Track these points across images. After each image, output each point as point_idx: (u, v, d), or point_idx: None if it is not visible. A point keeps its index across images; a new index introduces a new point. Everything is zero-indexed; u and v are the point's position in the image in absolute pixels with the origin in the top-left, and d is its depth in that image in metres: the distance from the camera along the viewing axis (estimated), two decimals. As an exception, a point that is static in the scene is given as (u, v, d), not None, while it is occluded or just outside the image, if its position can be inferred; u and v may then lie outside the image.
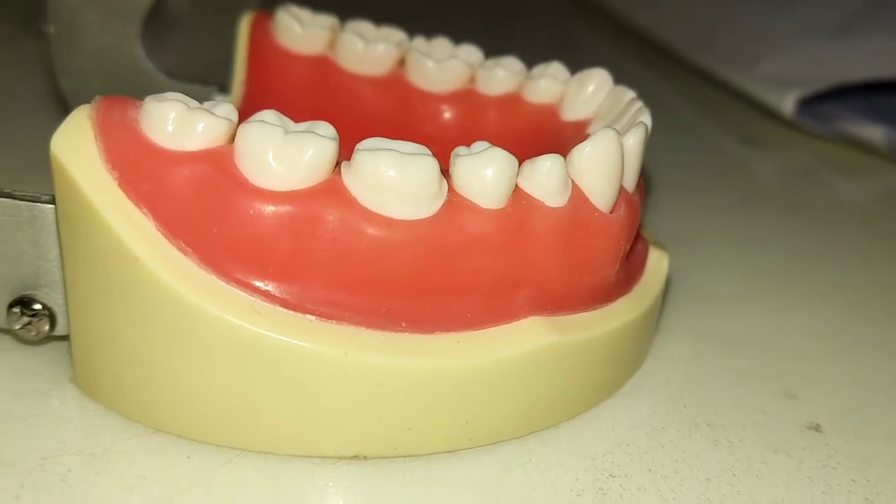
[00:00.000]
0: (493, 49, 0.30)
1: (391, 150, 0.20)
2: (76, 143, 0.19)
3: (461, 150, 0.21)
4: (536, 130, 0.28)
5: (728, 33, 0.52)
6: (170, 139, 0.20)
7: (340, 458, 0.20)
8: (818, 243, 0.35)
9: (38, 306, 0.22)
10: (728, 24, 0.53)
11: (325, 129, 0.21)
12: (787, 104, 0.45)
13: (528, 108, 0.28)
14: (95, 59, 0.32)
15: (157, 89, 0.31)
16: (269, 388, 0.19)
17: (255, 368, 0.19)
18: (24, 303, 0.22)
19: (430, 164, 0.20)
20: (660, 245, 0.27)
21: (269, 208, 0.19)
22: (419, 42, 0.30)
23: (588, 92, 0.27)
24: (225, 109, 0.21)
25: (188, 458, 0.20)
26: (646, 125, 0.23)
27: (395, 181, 0.19)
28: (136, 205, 0.19)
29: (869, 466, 0.22)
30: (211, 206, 0.19)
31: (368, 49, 0.29)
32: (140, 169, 0.19)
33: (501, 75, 0.28)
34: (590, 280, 0.22)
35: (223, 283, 0.19)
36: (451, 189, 0.20)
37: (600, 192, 0.22)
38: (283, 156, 0.19)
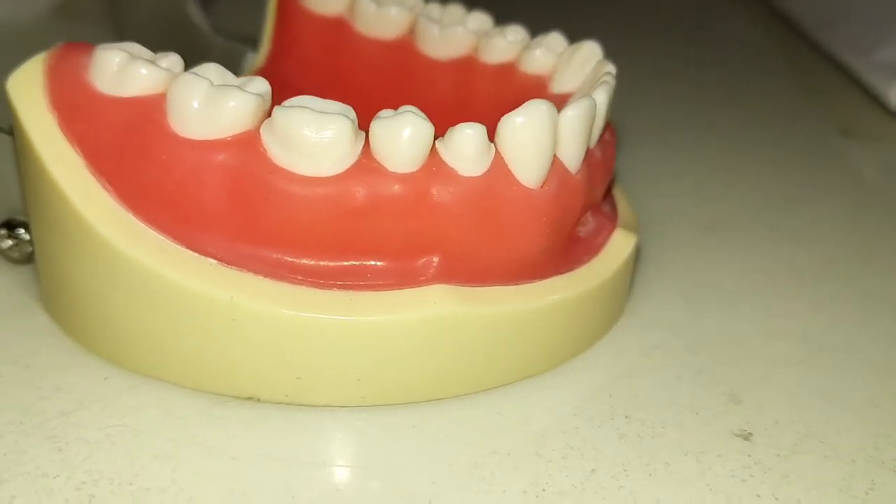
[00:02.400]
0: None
1: (305, 107, 0.20)
2: (26, 84, 0.21)
3: (383, 113, 0.21)
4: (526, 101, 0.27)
5: (851, 17, 0.48)
6: (109, 85, 0.21)
7: (237, 398, 0.21)
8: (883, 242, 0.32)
9: (21, 230, 0.25)
10: (852, 8, 0.48)
11: (257, 85, 0.21)
12: (894, 94, 0.41)
13: (521, 78, 0.27)
14: (152, 15, 0.35)
15: (205, 44, 0.34)
16: (171, 324, 0.21)
17: (159, 304, 0.21)
18: (10, 225, 0.25)
19: (342, 124, 0.20)
20: (631, 227, 0.26)
21: (183, 154, 0.20)
22: (432, 7, 0.30)
23: (576, 65, 0.26)
24: (170, 62, 0.22)
25: (105, 378, 0.22)
26: (594, 101, 0.22)
27: (303, 138, 0.20)
28: (70, 143, 0.21)
29: (785, 485, 0.20)
30: (133, 149, 0.21)
31: (380, 12, 0.30)
32: (76, 110, 0.21)
33: (501, 44, 0.28)
34: (508, 254, 0.22)
35: (137, 222, 0.21)
36: (365, 151, 0.21)
37: (525, 166, 0.21)
38: (205, 107, 0.20)
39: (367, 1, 0.30)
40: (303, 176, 0.20)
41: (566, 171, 0.22)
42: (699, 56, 0.54)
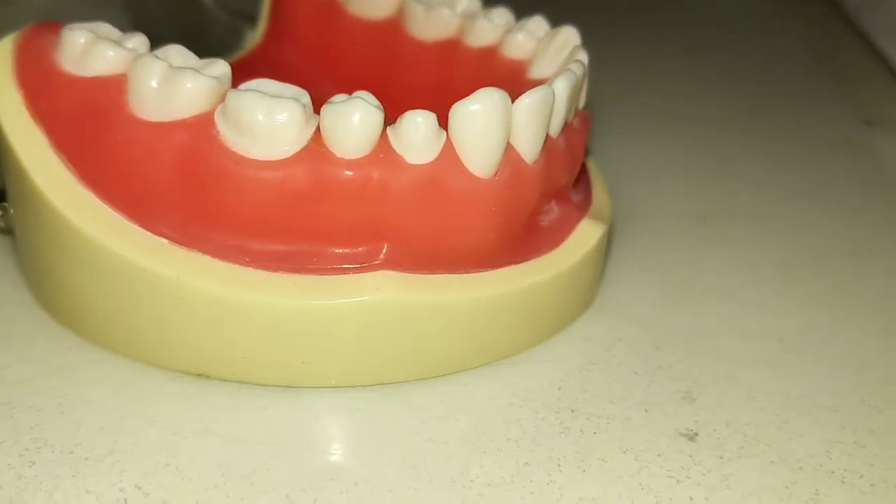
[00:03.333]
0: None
1: (257, 91, 0.21)
2: (-4, 63, 0.22)
3: (336, 98, 0.21)
4: (505, 86, 0.27)
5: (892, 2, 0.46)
6: (73, 65, 0.22)
7: (189, 374, 0.22)
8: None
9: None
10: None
11: (216, 67, 0.22)
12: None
13: (502, 62, 0.27)
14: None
15: (209, 20, 0.34)
16: (124, 301, 0.21)
17: (111, 280, 0.21)
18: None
19: (292, 109, 0.20)
20: (602, 217, 0.25)
21: (139, 135, 0.21)
22: (422, -12, 0.30)
23: (553, 50, 0.26)
24: (135, 42, 0.22)
25: (68, 349, 0.23)
26: (552, 90, 0.22)
27: (253, 121, 0.20)
28: (35, 121, 0.22)
29: (722, 489, 0.20)
30: (92, 129, 0.21)
31: (369, -8, 0.29)
32: (41, 88, 0.22)
33: (485, 28, 0.28)
34: (457, 243, 0.22)
35: (95, 199, 0.21)
36: (316, 136, 0.21)
37: (475, 154, 0.21)
38: (162, 89, 0.21)
39: (357, -19, 0.30)
40: (252, 159, 0.20)
41: (521, 160, 0.22)
42: (713, 36, 0.52)
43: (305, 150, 0.21)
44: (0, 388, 0.21)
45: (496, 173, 0.21)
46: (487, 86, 0.27)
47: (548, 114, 0.22)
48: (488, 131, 0.21)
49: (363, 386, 0.22)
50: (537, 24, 0.27)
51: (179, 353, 0.22)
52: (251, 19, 0.33)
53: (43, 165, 0.22)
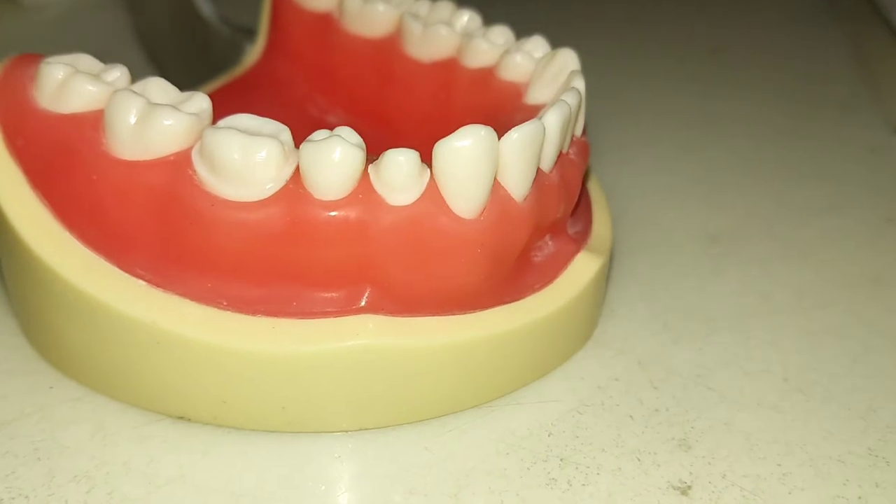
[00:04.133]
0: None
1: (234, 129, 0.20)
2: (-23, 97, 0.22)
3: (316, 134, 0.20)
4: (500, 111, 0.26)
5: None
6: (49, 101, 0.21)
7: (168, 415, 0.22)
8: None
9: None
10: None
11: (196, 102, 0.21)
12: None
13: (499, 85, 0.26)
14: (161, 3, 0.35)
15: (211, 34, 0.34)
16: (101, 342, 0.21)
17: (88, 322, 0.21)
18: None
19: (270, 149, 0.20)
20: (601, 249, 0.24)
21: (114, 175, 0.20)
22: (420, 4, 0.29)
23: (550, 75, 0.25)
24: (115, 76, 0.22)
25: (50, 388, 0.22)
26: (541, 124, 0.21)
27: (230, 162, 0.20)
28: (13, 158, 0.21)
29: (713, 549, 0.19)
30: (66, 168, 0.21)
31: (366, 8, 0.29)
32: (17, 124, 0.21)
33: (483, 47, 0.27)
34: (443, 285, 0.21)
35: (72, 239, 0.21)
36: (295, 175, 0.20)
37: (460, 194, 0.20)
38: (137, 127, 0.20)
39: (354, -3, 0.29)
40: (228, 200, 0.20)
41: (509, 198, 0.21)
42: (735, 35, 0.50)
43: (283, 190, 0.20)
44: (-21, 430, 0.21)
45: (482, 213, 0.20)
46: (484, 109, 0.26)
47: (538, 149, 0.21)
48: (474, 170, 0.20)
49: (345, 432, 0.21)
50: (536, 44, 0.26)
51: (158, 396, 0.21)
52: (252, 34, 0.33)
53: (20, 204, 0.21)
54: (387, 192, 0.20)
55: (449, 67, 0.27)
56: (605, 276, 0.25)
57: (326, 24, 0.30)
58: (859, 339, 0.26)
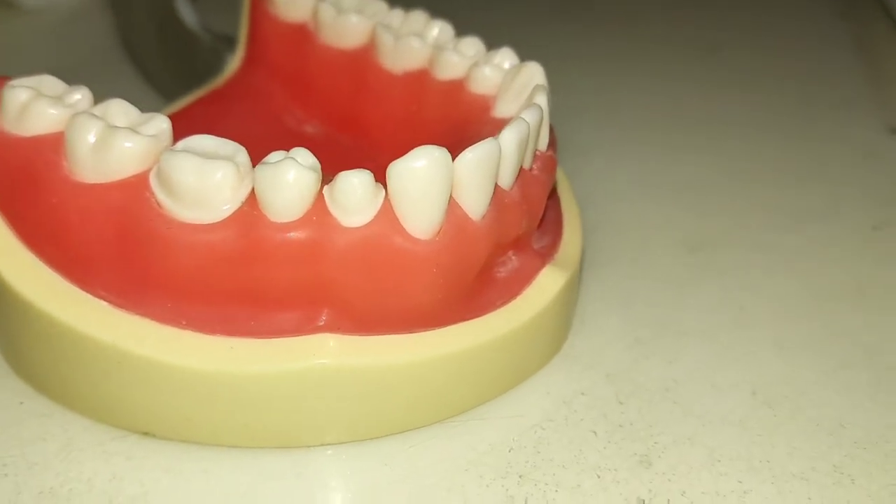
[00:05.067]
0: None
1: (190, 152, 0.20)
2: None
3: (271, 156, 0.20)
4: (469, 124, 0.26)
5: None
6: (12, 124, 0.22)
7: (134, 432, 0.22)
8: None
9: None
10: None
11: (155, 124, 0.21)
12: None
13: (468, 98, 0.26)
14: (144, 12, 0.35)
15: (193, 42, 0.34)
16: (64, 361, 0.21)
17: (52, 341, 0.21)
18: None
19: (223, 170, 0.20)
20: (569, 263, 0.24)
21: (73, 198, 0.21)
22: (394, 15, 0.29)
23: (516, 89, 0.25)
24: (77, 98, 0.22)
25: (20, 403, 0.23)
26: (497, 144, 0.21)
27: (185, 185, 0.20)
28: (-21, 180, 0.22)
29: (665, 570, 0.19)
30: (27, 191, 0.21)
31: (340, 20, 0.29)
32: (-19, 148, 0.22)
33: (453, 60, 0.26)
34: (400, 305, 0.21)
35: (36, 260, 0.21)
36: (250, 198, 0.20)
37: (414, 215, 0.20)
38: (96, 150, 0.20)
39: (326, 7, 0.29)
40: (184, 223, 0.20)
41: (465, 217, 0.21)
42: (726, 29, 0.50)
43: (239, 212, 0.20)
44: (-50, 446, 0.22)
45: (438, 233, 0.20)
46: (454, 121, 0.26)
47: (494, 168, 0.21)
48: (427, 191, 0.20)
49: (308, 447, 0.22)
50: (504, 56, 0.26)
51: (122, 413, 0.22)
52: (232, 43, 0.33)
53: (-16, 226, 0.22)
54: (341, 213, 0.20)
55: (420, 79, 0.27)
56: (574, 290, 0.25)
57: (302, 35, 0.30)
58: (834, 354, 0.25)
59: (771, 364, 0.25)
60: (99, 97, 0.22)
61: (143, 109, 0.22)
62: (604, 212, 0.32)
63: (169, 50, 0.35)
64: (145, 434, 0.22)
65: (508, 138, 0.21)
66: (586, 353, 0.25)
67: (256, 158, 0.20)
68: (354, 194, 0.20)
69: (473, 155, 0.20)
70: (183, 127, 0.26)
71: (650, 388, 0.24)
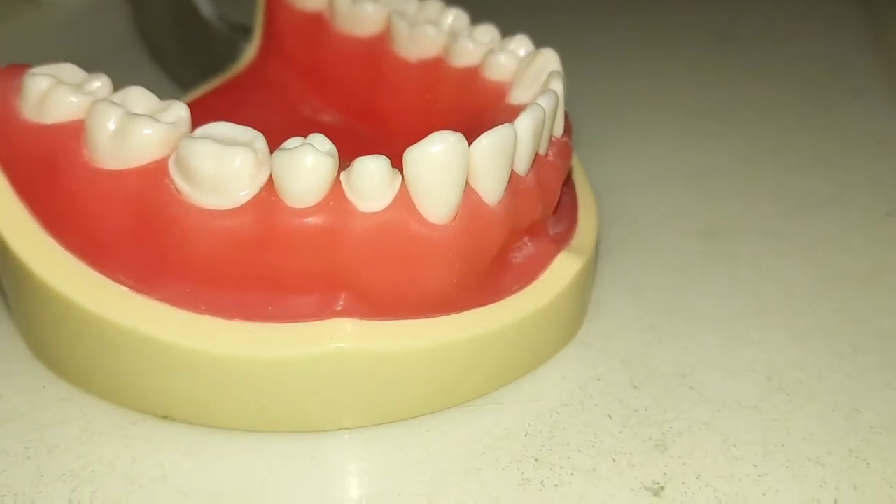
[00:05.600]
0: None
1: (209, 139, 0.20)
2: (-33, 108, 0.22)
3: (289, 142, 0.21)
4: (485, 111, 0.26)
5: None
6: (33, 111, 0.22)
7: (154, 415, 0.22)
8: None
9: None
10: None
11: (173, 111, 0.22)
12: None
13: (483, 85, 0.26)
14: (162, 2, 0.35)
15: (209, 30, 0.34)
16: (86, 345, 0.22)
17: (73, 326, 0.21)
18: None
19: (242, 157, 0.20)
20: (584, 249, 0.24)
21: (93, 185, 0.21)
22: (409, 3, 0.29)
23: (531, 75, 0.25)
24: (96, 86, 0.22)
25: (42, 388, 0.23)
26: (513, 130, 0.21)
27: (203, 171, 0.20)
28: (1, 167, 0.22)
29: (681, 552, 0.19)
30: (48, 178, 0.21)
31: (355, 8, 0.29)
32: (2, 135, 0.22)
33: (469, 47, 0.27)
34: (416, 290, 0.21)
35: (57, 246, 0.22)
36: (268, 184, 0.20)
37: (430, 200, 0.20)
38: (115, 137, 0.21)
39: (343, -3, 0.29)
40: (203, 208, 0.20)
41: (482, 202, 0.21)
42: (741, 15, 0.49)
43: (257, 198, 0.20)
44: (-25, 429, 0.22)
45: (454, 219, 0.21)
46: (469, 109, 0.26)
47: (510, 154, 0.21)
48: (444, 176, 0.20)
49: (324, 431, 0.22)
50: (519, 43, 0.26)
51: (142, 397, 0.22)
52: (248, 32, 0.33)
53: (7, 212, 0.22)
54: (358, 199, 0.20)
55: (436, 67, 0.27)
56: (590, 276, 0.25)
57: (318, 24, 0.30)
58: (848, 339, 0.25)
59: (785, 349, 0.25)
60: (118, 86, 0.23)
61: (160, 98, 0.22)
62: (617, 200, 0.32)
63: (185, 40, 0.35)
64: (164, 418, 0.22)
65: (524, 124, 0.21)
66: (602, 338, 0.25)
67: (274, 148, 0.21)
68: (371, 180, 0.20)
69: (489, 140, 0.21)
70: (200, 116, 0.27)
71: (665, 374, 0.24)
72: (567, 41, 0.41)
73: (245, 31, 0.34)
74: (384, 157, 0.20)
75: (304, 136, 0.21)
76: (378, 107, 0.29)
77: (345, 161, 0.21)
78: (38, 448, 0.21)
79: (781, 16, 0.51)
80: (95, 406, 0.23)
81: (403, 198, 0.20)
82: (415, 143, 0.20)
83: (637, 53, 0.45)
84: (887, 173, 0.34)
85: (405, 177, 0.20)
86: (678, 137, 0.37)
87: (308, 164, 0.20)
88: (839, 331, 0.26)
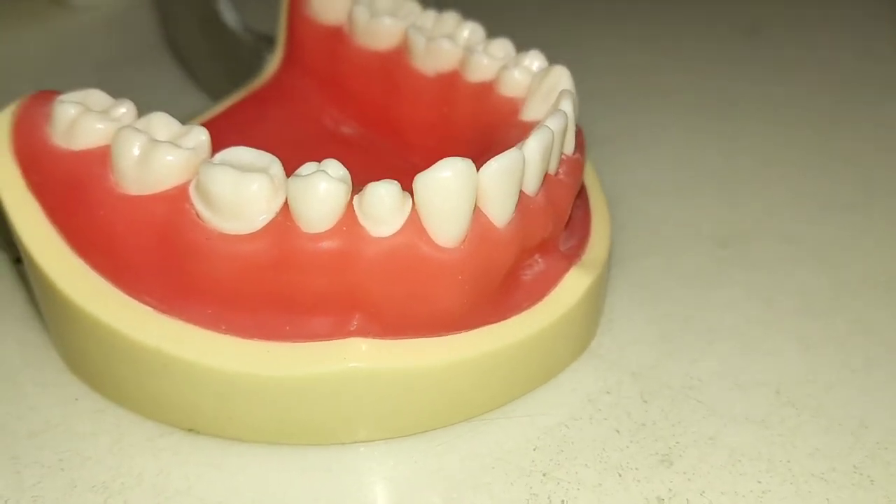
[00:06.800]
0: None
1: (227, 165, 0.21)
2: None
3: (303, 168, 0.21)
4: (498, 127, 0.26)
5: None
6: (62, 138, 0.23)
7: (181, 428, 0.23)
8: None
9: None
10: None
11: (194, 136, 0.22)
12: None
13: (497, 101, 0.27)
14: (188, 10, 0.36)
15: (234, 40, 0.35)
16: (113, 362, 0.23)
17: (101, 344, 0.23)
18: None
19: (258, 183, 0.21)
20: (595, 264, 0.25)
21: (119, 210, 0.22)
22: (427, 17, 0.29)
23: (543, 93, 0.25)
24: (121, 112, 0.23)
25: (75, 400, 0.24)
26: (521, 154, 0.21)
27: (221, 196, 0.21)
28: (31, 192, 0.23)
29: (682, 568, 0.20)
30: (76, 203, 0.22)
31: (373, 22, 0.29)
32: (33, 161, 0.23)
33: (483, 62, 0.27)
34: (428, 310, 0.22)
35: (86, 267, 0.23)
36: (284, 208, 0.21)
37: (439, 224, 0.21)
38: (139, 164, 0.22)
39: (361, 10, 0.30)
40: (221, 233, 0.21)
41: (490, 225, 0.22)
42: (767, 6, 0.49)
43: (272, 223, 0.21)
44: (13, 440, 0.23)
45: (463, 241, 0.21)
46: (484, 124, 0.27)
47: (518, 176, 0.21)
48: (453, 201, 0.21)
49: (341, 444, 0.23)
50: (533, 58, 0.26)
51: (168, 411, 0.23)
52: (272, 43, 0.34)
53: (38, 235, 0.23)
54: (370, 223, 0.21)
55: (451, 81, 0.28)
56: (601, 290, 0.26)
57: (338, 37, 0.30)
58: (861, 351, 0.25)
59: (796, 362, 0.25)
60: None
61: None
62: (633, 205, 0.32)
63: (211, 48, 0.36)
64: (189, 430, 0.23)
65: (532, 147, 0.22)
66: (613, 351, 0.26)
67: (296, 160, 0.21)
68: (382, 205, 0.21)
69: (498, 165, 0.21)
70: (226, 129, 0.27)
71: (674, 387, 0.24)
72: (585, 33, 0.41)
73: (269, 41, 0.34)
74: (395, 181, 0.21)
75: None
76: (396, 119, 0.29)
77: (358, 186, 0.21)
78: (71, 460, 0.23)
79: (810, 5, 0.50)
80: (126, 418, 0.24)
81: (414, 222, 0.21)
82: (431, 157, 0.21)
83: (655, 46, 0.45)
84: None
85: (415, 201, 0.21)
86: (696, 136, 0.37)
87: (321, 192, 0.20)
88: (852, 342, 0.26)
